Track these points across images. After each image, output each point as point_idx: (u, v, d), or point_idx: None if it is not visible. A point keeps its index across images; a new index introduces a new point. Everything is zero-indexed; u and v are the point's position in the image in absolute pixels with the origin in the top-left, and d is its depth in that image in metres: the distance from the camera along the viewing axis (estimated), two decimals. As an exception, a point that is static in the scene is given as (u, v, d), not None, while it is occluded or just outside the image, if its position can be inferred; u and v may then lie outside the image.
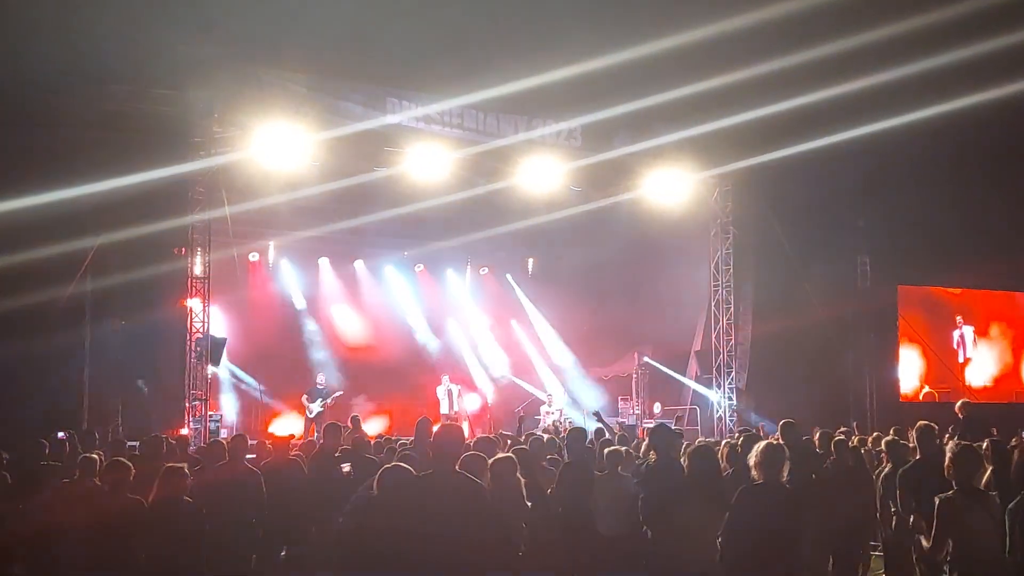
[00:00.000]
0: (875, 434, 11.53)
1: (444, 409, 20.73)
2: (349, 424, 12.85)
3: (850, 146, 16.81)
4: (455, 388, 21.24)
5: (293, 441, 12.85)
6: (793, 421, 9.52)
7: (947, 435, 11.22)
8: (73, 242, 14.46)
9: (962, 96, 15.54)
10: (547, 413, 20.45)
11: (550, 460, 9.26)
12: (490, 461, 6.43)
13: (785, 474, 6.12)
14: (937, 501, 5.95)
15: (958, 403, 12.55)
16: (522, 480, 6.56)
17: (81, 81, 14.41)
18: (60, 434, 11.82)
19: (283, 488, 8.75)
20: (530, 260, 26.39)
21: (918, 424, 8.13)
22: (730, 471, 7.84)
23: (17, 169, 13.98)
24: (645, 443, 9.77)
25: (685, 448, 8.44)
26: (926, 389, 21.38)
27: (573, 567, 7.58)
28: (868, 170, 19.16)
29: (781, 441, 7.80)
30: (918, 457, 7.92)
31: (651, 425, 18.88)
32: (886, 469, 8.53)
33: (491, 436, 10.68)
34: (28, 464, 8.74)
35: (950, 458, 6.12)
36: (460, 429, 6.13)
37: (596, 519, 7.93)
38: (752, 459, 6.19)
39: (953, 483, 6.01)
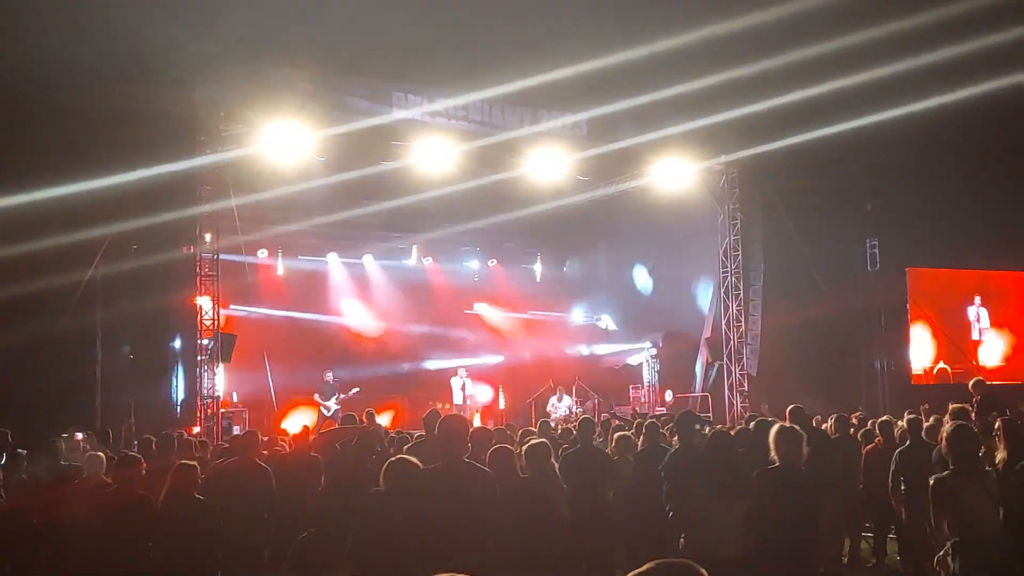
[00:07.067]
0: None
1: (457, 400, 20.81)
2: (363, 418, 12.79)
3: (856, 133, 16.73)
4: (468, 380, 21.29)
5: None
6: (801, 406, 9.56)
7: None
8: (83, 236, 14.43)
9: (968, 86, 15.48)
10: (555, 407, 20.42)
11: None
12: (523, 448, 6.48)
13: (804, 456, 6.14)
14: (931, 482, 5.92)
15: (971, 382, 12.47)
16: (556, 464, 6.60)
17: (93, 80, 14.42)
18: (78, 435, 11.88)
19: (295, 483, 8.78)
20: (538, 251, 26.30)
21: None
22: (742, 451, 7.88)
23: (29, 163, 14.03)
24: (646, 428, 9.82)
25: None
26: (940, 364, 21.26)
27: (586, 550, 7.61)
28: (875, 155, 19.07)
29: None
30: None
31: (663, 412, 18.95)
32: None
33: (503, 427, 10.71)
34: (43, 464, 8.80)
35: (945, 438, 6.10)
36: (464, 419, 6.19)
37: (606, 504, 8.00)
38: (769, 442, 6.20)
39: (949, 462, 6.00)
